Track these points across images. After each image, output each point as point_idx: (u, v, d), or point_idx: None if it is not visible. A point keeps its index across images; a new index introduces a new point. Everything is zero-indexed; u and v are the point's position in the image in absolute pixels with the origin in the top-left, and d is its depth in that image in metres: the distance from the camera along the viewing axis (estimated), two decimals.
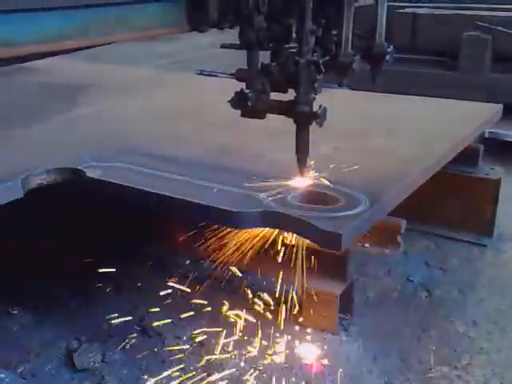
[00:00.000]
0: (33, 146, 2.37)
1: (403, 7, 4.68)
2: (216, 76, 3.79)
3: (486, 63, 4.13)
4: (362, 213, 1.79)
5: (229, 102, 1.69)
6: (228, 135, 2.48)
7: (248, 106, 1.64)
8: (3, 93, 3.23)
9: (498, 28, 3.99)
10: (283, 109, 1.67)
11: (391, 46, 1.73)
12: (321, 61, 1.56)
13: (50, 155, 2.21)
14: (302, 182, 1.95)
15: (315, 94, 1.61)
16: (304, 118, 1.65)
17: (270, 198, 1.84)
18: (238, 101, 1.65)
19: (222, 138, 2.46)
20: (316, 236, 1.70)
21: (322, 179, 1.99)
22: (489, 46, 4.08)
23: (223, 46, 1.71)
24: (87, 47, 1.36)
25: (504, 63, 4.11)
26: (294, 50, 1.61)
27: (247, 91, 1.66)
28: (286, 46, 1.62)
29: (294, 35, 1.58)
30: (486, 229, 2.94)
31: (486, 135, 2.96)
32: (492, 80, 4.09)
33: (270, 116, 1.78)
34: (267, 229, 2.03)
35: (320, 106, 1.65)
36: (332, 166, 2.09)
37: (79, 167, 2.06)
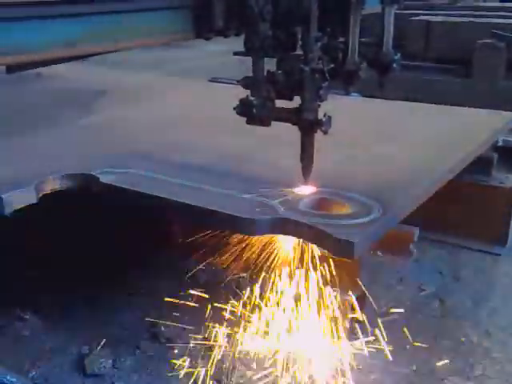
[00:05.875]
0: (46, 152, 2.39)
1: (417, 15, 4.68)
2: (228, 83, 3.81)
3: (500, 71, 4.10)
4: (374, 221, 1.77)
5: (234, 109, 1.69)
6: (241, 142, 2.48)
7: (253, 113, 1.65)
8: (16, 98, 3.26)
9: None
10: (288, 116, 1.67)
11: (398, 54, 1.72)
12: (326, 68, 1.56)
13: (63, 161, 2.23)
14: (313, 190, 1.94)
15: (320, 102, 1.61)
16: (309, 125, 1.65)
17: (282, 205, 1.83)
18: (243, 108, 1.66)
19: (234, 144, 2.46)
20: (329, 244, 1.68)
21: (334, 187, 1.98)
22: (503, 54, 4.05)
23: (236, 53, 1.72)
24: (94, 54, 1.38)
25: None
26: (301, 58, 1.61)
27: (252, 98, 1.66)
28: (292, 53, 1.63)
29: (299, 42, 1.58)
30: (499, 238, 2.91)
31: (500, 143, 2.93)
32: (506, 88, 4.05)
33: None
34: None
35: (325, 114, 1.65)
36: (344, 173, 2.08)
37: (93, 173, 2.07)
